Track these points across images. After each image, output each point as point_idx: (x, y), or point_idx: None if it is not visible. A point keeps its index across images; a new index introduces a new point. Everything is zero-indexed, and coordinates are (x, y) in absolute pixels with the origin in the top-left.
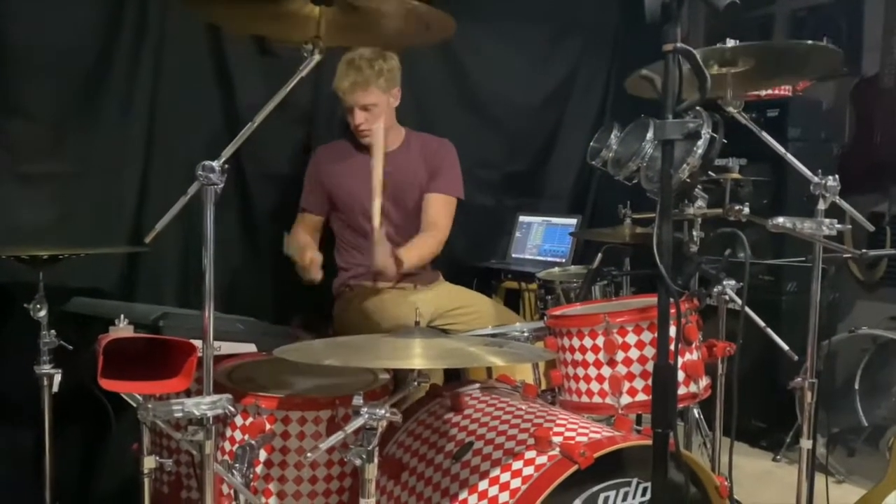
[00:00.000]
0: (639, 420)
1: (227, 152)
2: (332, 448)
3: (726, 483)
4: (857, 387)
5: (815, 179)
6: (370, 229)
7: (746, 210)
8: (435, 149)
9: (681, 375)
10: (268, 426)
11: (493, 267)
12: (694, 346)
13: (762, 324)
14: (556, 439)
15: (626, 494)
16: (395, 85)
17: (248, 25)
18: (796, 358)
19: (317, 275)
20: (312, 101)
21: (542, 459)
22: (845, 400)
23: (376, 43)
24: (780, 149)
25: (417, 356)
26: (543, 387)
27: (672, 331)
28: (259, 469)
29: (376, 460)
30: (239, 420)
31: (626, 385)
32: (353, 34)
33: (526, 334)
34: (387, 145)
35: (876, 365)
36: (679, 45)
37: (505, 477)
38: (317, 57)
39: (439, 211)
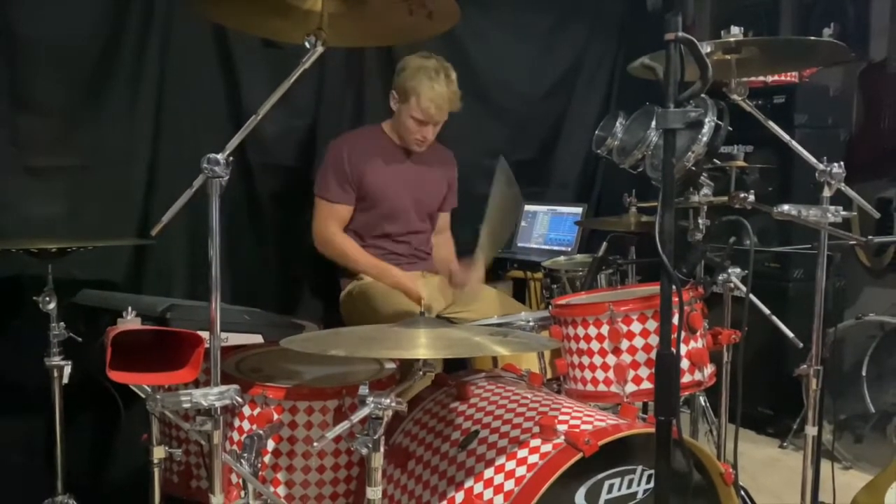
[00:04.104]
0: (645, 408)
1: (232, 144)
2: (338, 437)
3: (731, 470)
4: (864, 373)
5: (821, 166)
6: (393, 229)
7: (752, 198)
8: (450, 161)
9: (686, 363)
10: (275, 416)
11: (499, 256)
12: (699, 333)
13: (767, 311)
14: (561, 427)
15: (630, 482)
16: None
17: (250, 24)
18: (801, 345)
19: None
20: (317, 91)
21: (547, 448)
22: (853, 387)
23: (378, 36)
24: (785, 136)
25: (423, 346)
26: (549, 375)
27: (675, 319)
28: (267, 458)
29: (382, 449)
30: (247, 410)
31: (631, 373)
32: (355, 27)
33: (531, 323)
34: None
35: (883, 351)
36: (680, 34)
37: (510, 465)
38: (319, 49)
39: (447, 225)
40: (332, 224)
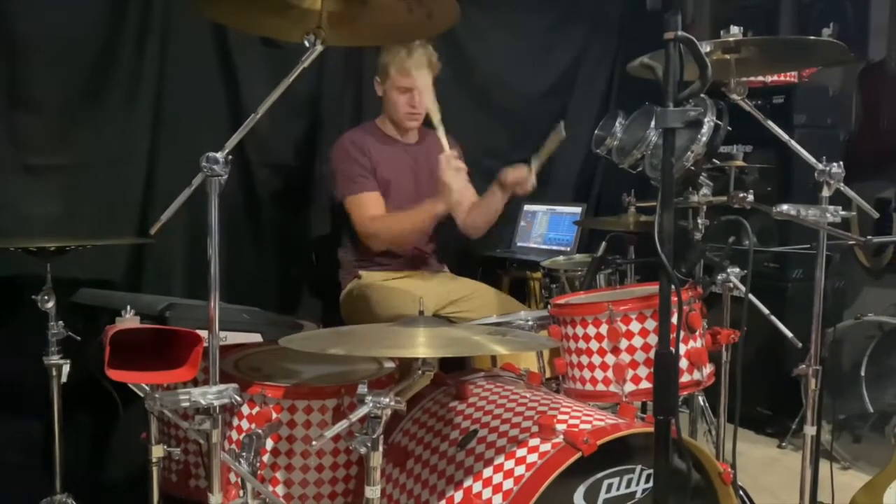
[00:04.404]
0: (644, 407)
1: (231, 143)
2: (337, 436)
3: (730, 470)
4: (863, 373)
5: (820, 166)
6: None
7: (751, 197)
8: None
9: (685, 363)
10: (274, 415)
11: (498, 256)
12: (698, 333)
13: (766, 311)
14: (560, 427)
15: (629, 481)
16: None
17: (250, 22)
18: (800, 345)
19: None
20: (316, 90)
21: (546, 447)
22: (852, 387)
23: (377, 35)
24: (784, 136)
25: (422, 345)
26: (548, 375)
27: (674, 319)
28: (266, 458)
29: (381, 448)
30: (245, 409)
31: (630, 373)
32: (354, 26)
33: (530, 323)
34: (408, 138)
35: (882, 351)
36: (680, 33)
37: (509, 464)
38: (319, 48)
39: None
40: (366, 215)
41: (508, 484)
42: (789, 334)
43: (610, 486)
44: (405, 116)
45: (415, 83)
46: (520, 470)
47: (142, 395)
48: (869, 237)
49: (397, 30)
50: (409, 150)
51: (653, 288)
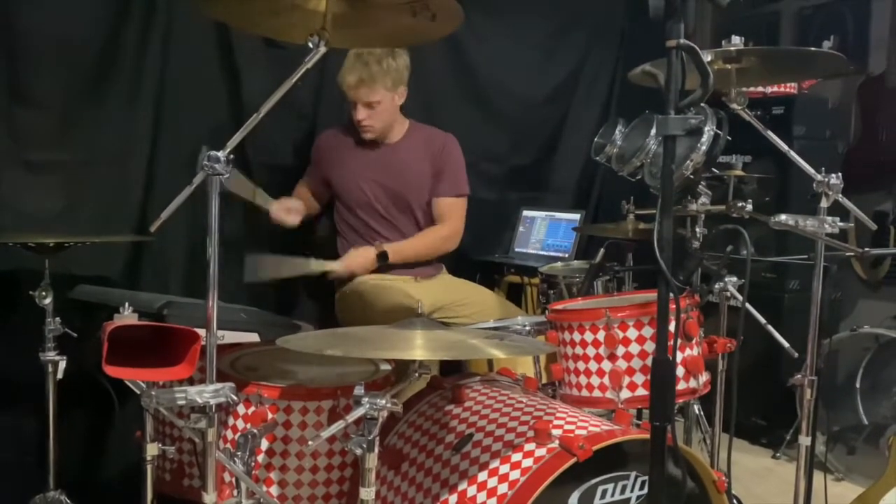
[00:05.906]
0: (639, 414)
1: (233, 143)
2: (333, 437)
3: (724, 478)
4: (858, 385)
5: (818, 177)
6: (361, 222)
7: (749, 207)
8: (440, 146)
9: (681, 371)
10: (270, 415)
11: (496, 261)
12: (694, 341)
13: (763, 321)
14: (556, 432)
15: (624, 488)
16: (402, 83)
17: (253, 22)
18: (796, 355)
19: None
20: (317, 91)
21: (542, 452)
22: (846, 398)
23: (381, 37)
24: (783, 146)
25: (419, 347)
26: (544, 380)
27: (672, 326)
28: (261, 458)
29: (377, 450)
30: (241, 409)
31: (627, 380)
32: (357, 28)
33: (527, 328)
34: (389, 138)
35: (877, 364)
36: (682, 41)
37: (504, 468)
38: (322, 49)
39: (451, 211)
40: (295, 192)
41: (503, 488)
42: (786, 344)
43: (604, 492)
44: (357, 126)
45: (353, 97)
46: (515, 474)
47: (138, 392)
48: (866, 249)
49: (401, 32)
50: (384, 149)
51: (650, 295)
